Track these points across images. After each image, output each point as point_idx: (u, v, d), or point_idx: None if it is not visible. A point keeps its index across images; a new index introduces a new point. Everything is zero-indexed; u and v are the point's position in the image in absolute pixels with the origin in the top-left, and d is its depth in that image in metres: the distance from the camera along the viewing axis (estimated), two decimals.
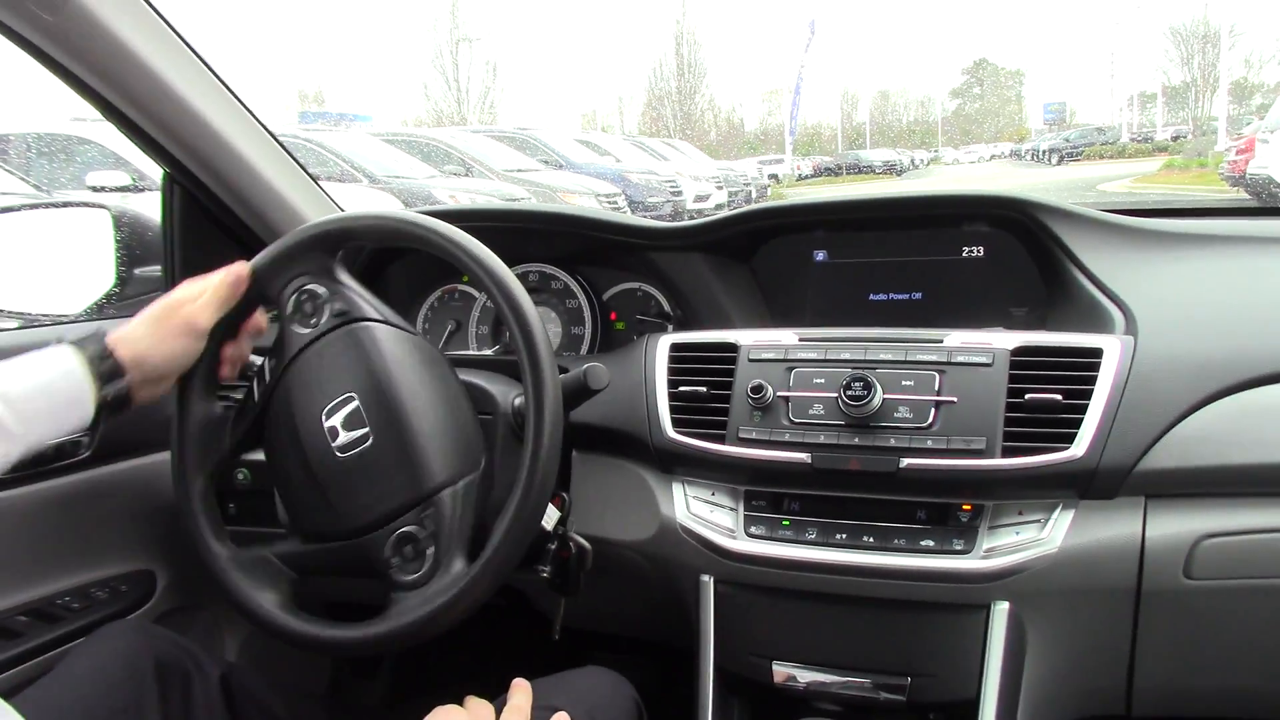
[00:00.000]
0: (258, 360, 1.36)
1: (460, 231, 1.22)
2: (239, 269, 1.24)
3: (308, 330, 1.24)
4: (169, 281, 1.77)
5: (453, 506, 1.16)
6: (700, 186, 16.44)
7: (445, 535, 1.16)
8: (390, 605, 1.15)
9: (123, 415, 1.18)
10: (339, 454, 1.18)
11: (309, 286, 1.25)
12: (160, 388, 1.22)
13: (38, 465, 1.20)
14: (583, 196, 12.33)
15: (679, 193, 15.07)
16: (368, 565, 1.17)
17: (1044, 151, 38.70)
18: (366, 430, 1.18)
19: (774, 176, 31.20)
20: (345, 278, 1.26)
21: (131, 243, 1.80)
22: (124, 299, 1.78)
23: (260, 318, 1.31)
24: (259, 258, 1.26)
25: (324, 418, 1.20)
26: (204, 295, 1.22)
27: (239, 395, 1.30)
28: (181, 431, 1.27)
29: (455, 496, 1.17)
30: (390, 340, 1.22)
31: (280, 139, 1.76)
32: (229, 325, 1.27)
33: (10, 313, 1.73)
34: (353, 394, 1.19)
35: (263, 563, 1.25)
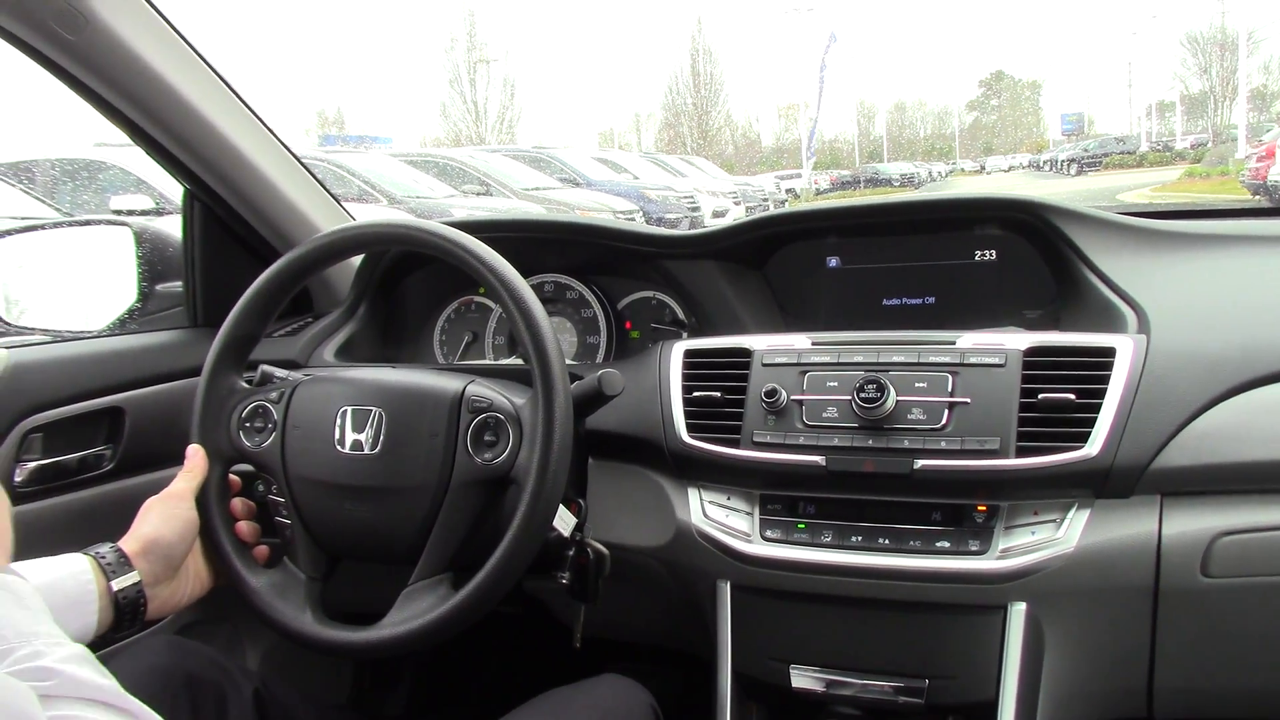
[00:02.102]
0: (279, 372, 1.39)
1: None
2: (189, 449, 1.27)
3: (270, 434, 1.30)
4: (190, 296, 1.79)
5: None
6: (718, 202, 16.51)
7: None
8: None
9: (140, 622, 1.14)
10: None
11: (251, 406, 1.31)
12: (175, 584, 1.19)
13: None
14: (601, 214, 12.39)
15: (696, 209, 15.15)
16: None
17: (1063, 162, 38.65)
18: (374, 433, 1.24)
19: (791, 191, 31.20)
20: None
21: (153, 259, 1.82)
22: (146, 314, 1.81)
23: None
24: (195, 429, 1.30)
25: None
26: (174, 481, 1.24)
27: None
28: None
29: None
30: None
31: (299, 157, 1.79)
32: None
33: (37, 329, 1.75)
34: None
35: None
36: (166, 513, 1.19)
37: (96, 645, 1.17)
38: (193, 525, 1.20)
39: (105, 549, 1.12)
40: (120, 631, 1.11)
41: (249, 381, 1.37)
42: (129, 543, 1.14)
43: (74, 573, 1.08)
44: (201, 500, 1.23)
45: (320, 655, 1.23)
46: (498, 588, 1.16)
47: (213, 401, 1.30)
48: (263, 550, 1.29)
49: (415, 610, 1.17)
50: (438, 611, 1.16)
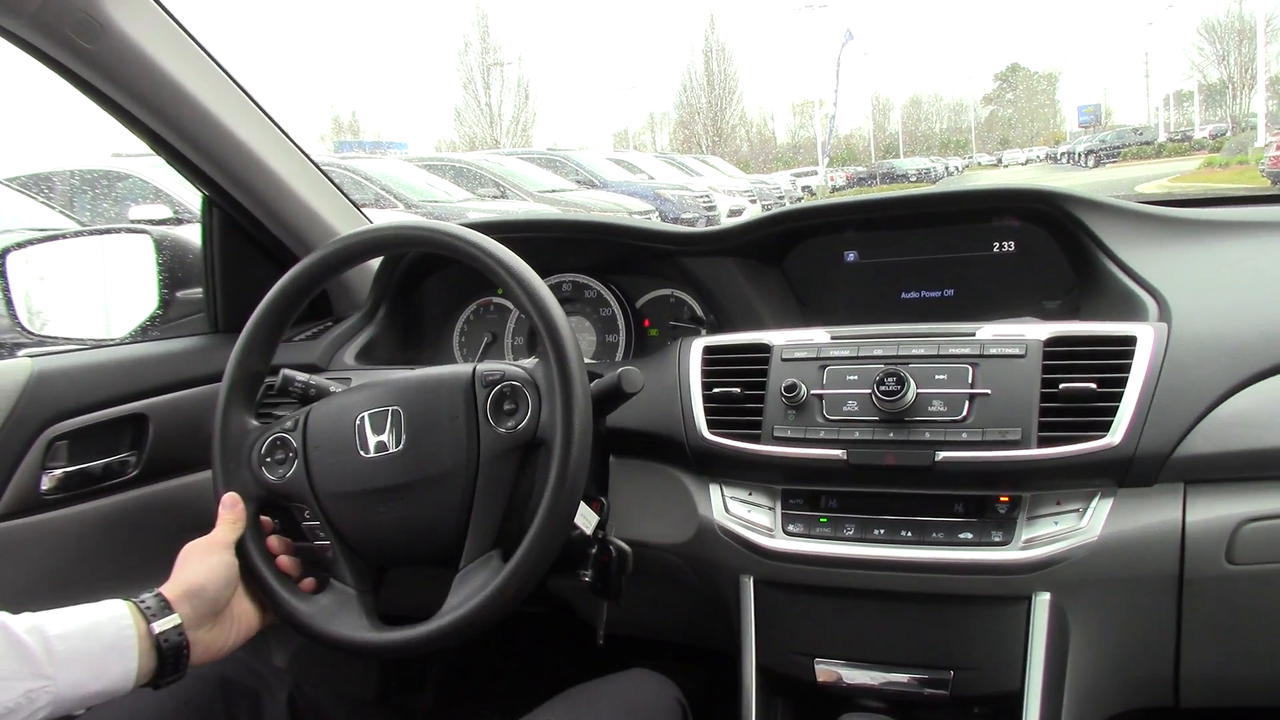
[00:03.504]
0: (300, 376, 1.39)
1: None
2: (227, 498, 1.24)
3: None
4: (211, 302, 1.81)
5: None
6: (734, 201, 16.48)
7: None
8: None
9: (184, 667, 1.10)
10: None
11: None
12: (219, 630, 1.16)
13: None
14: (617, 215, 12.40)
15: (712, 208, 15.11)
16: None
17: (1080, 154, 38.48)
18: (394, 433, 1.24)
19: (808, 189, 31.13)
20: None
21: (173, 266, 1.84)
22: (167, 321, 1.82)
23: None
24: (218, 476, 1.28)
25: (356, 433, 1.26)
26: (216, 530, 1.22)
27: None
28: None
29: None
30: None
31: (316, 162, 1.80)
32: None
33: (60, 338, 1.77)
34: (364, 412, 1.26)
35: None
36: (209, 560, 1.17)
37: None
38: (235, 571, 1.19)
39: (146, 595, 1.10)
40: (164, 678, 1.08)
41: (270, 386, 1.38)
42: (170, 588, 1.12)
43: (113, 617, 1.05)
44: (239, 545, 1.22)
45: (382, 660, 1.22)
46: (549, 546, 1.14)
47: (229, 445, 1.29)
48: (309, 582, 1.28)
49: (473, 589, 1.16)
50: (496, 583, 1.15)
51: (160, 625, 1.07)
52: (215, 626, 1.15)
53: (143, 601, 1.08)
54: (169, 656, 1.08)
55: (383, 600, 1.28)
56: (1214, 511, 1.21)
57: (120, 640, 1.04)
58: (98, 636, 1.03)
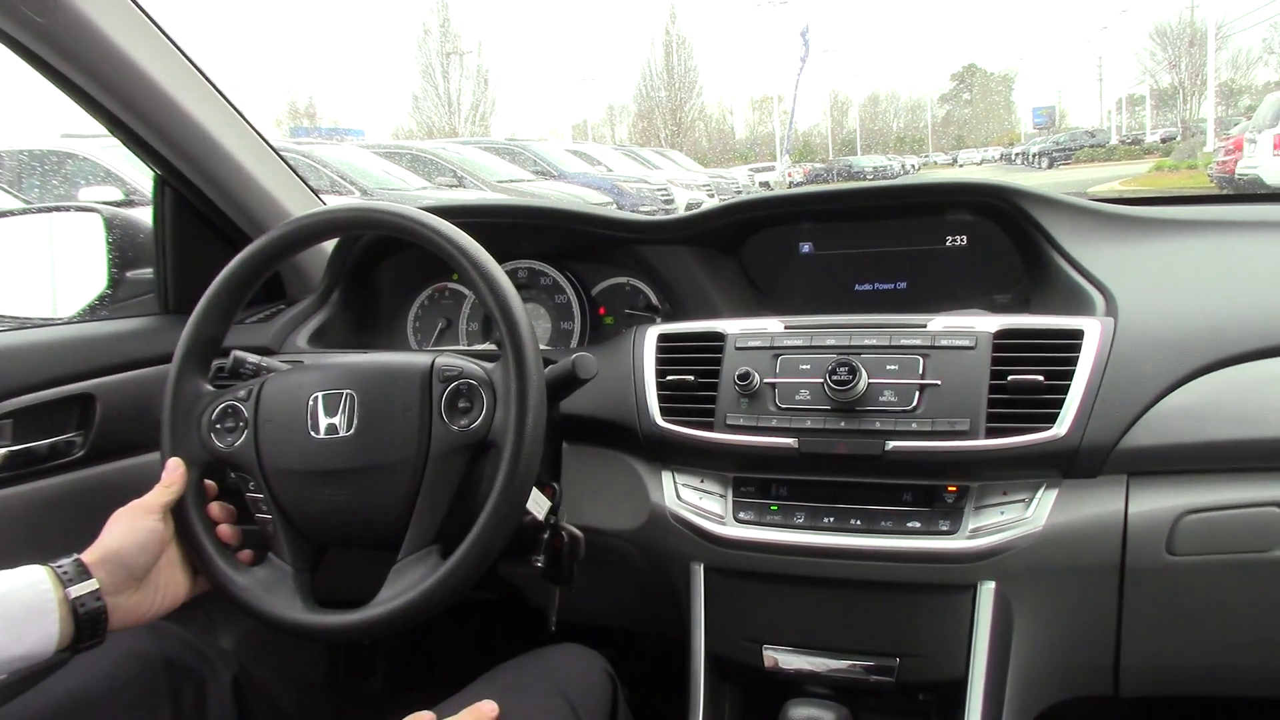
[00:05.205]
0: (251, 358, 1.38)
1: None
2: (170, 463, 1.23)
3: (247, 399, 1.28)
4: (161, 282, 1.78)
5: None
6: (692, 194, 16.51)
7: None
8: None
9: (103, 633, 1.09)
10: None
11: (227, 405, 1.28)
12: (141, 596, 1.15)
13: None
14: (574, 202, 12.36)
15: (671, 201, 15.13)
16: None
17: (1034, 155, 38.95)
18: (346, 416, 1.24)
19: (765, 184, 31.24)
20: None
21: (124, 245, 1.81)
22: (116, 301, 1.80)
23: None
24: (166, 439, 1.26)
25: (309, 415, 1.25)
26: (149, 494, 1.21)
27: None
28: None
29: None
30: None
31: (271, 143, 1.78)
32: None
33: (3, 316, 1.74)
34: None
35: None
36: (130, 525, 1.16)
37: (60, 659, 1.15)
38: (156, 538, 1.17)
39: (64, 560, 1.09)
40: (82, 643, 1.07)
41: (221, 369, 1.36)
42: (89, 553, 1.12)
43: (31, 582, 1.05)
44: (180, 509, 1.21)
45: (311, 642, 1.22)
46: (489, 549, 1.15)
47: (180, 408, 1.27)
48: (247, 554, 1.27)
49: (408, 583, 1.16)
50: (431, 580, 1.15)
51: (76, 590, 1.07)
52: (138, 592, 1.15)
53: (60, 566, 1.08)
54: (86, 622, 1.07)
55: (321, 579, 1.28)
56: (1155, 503, 1.24)
57: (40, 604, 1.04)
58: (17, 600, 1.03)
